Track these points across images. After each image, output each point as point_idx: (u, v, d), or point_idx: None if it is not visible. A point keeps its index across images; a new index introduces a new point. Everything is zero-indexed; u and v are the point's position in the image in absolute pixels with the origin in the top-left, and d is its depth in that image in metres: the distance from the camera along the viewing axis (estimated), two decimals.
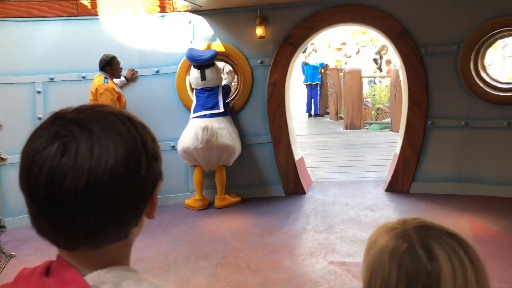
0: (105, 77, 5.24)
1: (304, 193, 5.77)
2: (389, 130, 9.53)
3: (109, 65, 5.30)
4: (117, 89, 5.32)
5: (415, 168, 5.61)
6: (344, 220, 4.84)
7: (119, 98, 5.25)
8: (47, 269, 0.82)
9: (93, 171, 0.73)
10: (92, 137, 0.75)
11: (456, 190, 5.45)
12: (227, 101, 5.68)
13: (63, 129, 0.76)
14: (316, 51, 11.92)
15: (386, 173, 6.08)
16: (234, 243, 4.40)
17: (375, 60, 12.74)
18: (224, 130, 5.37)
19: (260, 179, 5.83)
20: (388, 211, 5.09)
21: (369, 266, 0.91)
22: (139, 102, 5.69)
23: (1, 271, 4.09)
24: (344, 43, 14.63)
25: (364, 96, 10.44)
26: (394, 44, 5.54)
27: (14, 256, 4.39)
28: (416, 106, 5.54)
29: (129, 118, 0.81)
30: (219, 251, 4.23)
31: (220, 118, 5.47)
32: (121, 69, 5.45)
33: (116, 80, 5.46)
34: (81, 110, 0.80)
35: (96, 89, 5.15)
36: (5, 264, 4.22)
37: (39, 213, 0.77)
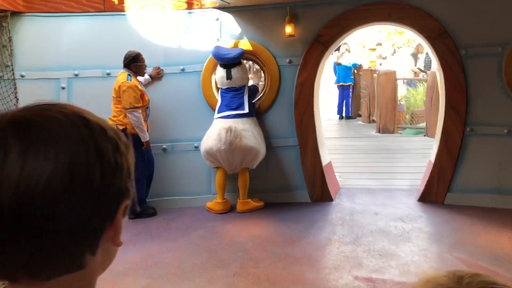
0: (129, 74, 5.11)
1: (331, 200, 5.50)
2: (424, 136, 9.11)
3: (133, 62, 5.17)
4: (140, 87, 5.18)
5: (451, 178, 5.26)
6: (372, 231, 4.55)
7: (142, 96, 5.12)
8: None
9: (23, 184, 0.58)
10: (27, 142, 0.60)
11: (496, 203, 5.07)
12: (253, 101, 5.47)
13: None
14: (349, 51, 11.56)
15: (420, 182, 5.73)
16: (254, 252, 4.18)
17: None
18: (248, 132, 5.17)
19: (284, 183, 5.59)
20: (421, 223, 4.76)
21: None
22: (163, 100, 5.56)
23: None
24: (379, 44, 14.19)
25: (399, 98, 10.04)
26: (432, 45, 5.20)
27: None
28: (454, 111, 5.19)
29: (85, 120, 0.66)
30: (237, 259, 4.03)
31: (244, 119, 5.27)
32: (146, 66, 5.30)
33: (140, 78, 5.34)
34: (25, 110, 0.65)
35: (119, 86, 5.04)
36: None
37: None
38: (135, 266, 3.99)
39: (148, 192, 5.38)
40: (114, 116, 5.13)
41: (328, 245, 4.32)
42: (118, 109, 5.11)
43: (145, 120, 5.20)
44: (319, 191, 5.52)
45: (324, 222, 4.88)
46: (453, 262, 3.82)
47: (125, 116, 5.07)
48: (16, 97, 5.27)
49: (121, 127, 5.02)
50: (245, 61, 5.82)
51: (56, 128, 0.62)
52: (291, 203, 5.49)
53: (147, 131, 5.20)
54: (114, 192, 0.66)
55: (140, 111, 5.05)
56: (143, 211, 5.24)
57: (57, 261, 0.63)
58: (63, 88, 5.45)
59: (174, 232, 4.76)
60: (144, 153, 5.17)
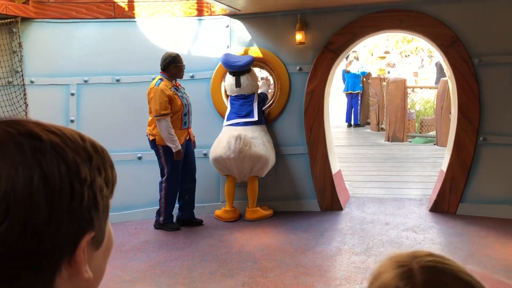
0: (160, 78, 4.83)
1: (341, 209, 5.42)
2: (434, 144, 9.01)
3: (173, 63, 4.87)
4: (171, 92, 4.81)
5: (464, 187, 5.17)
6: (383, 242, 4.47)
7: (171, 101, 4.79)
8: None
9: None
10: None
11: (511, 213, 4.97)
12: (262, 109, 5.43)
13: None
14: (358, 59, 11.51)
15: (431, 191, 5.65)
16: (264, 261, 4.12)
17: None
18: (257, 140, 5.12)
19: (294, 192, 5.53)
20: (432, 234, 4.68)
21: None
22: None
23: None
24: (387, 52, 14.15)
25: (408, 107, 9.97)
26: (444, 53, 5.14)
27: None
28: (466, 120, 5.11)
29: (36, 141, 0.56)
30: (246, 269, 3.96)
31: (254, 127, 5.22)
32: (184, 67, 5.00)
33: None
34: None
35: (148, 92, 4.87)
36: None
37: None
38: (143, 275, 3.94)
39: (189, 205, 5.14)
40: (149, 125, 4.95)
41: (338, 255, 4.24)
42: (150, 118, 4.89)
43: (181, 129, 4.90)
44: (329, 200, 5.45)
45: (334, 232, 4.81)
46: None
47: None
48: (25, 102, 5.27)
49: (151, 138, 4.89)
50: (257, 69, 5.80)
51: None
52: (301, 211, 5.42)
53: (190, 139, 5.02)
54: (73, 224, 0.56)
55: (168, 118, 4.74)
56: (165, 224, 4.99)
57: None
58: (72, 94, 5.44)
59: (182, 240, 4.71)
60: (178, 164, 4.91)
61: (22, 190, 0.53)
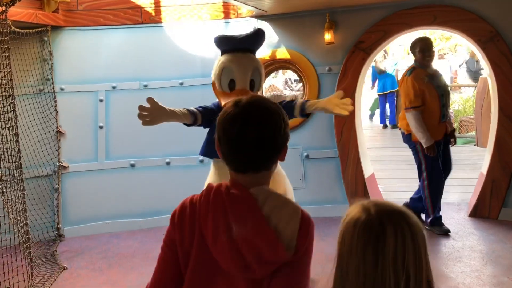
0: (413, 67, 4.48)
1: None
2: (474, 145, 8.61)
3: (412, 49, 4.53)
4: (423, 81, 4.37)
5: (506, 191, 4.86)
6: None
7: (423, 92, 4.37)
8: (227, 186, 1.30)
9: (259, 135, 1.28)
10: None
11: None
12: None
13: None
14: (385, 58, 11.15)
15: (470, 195, 5.35)
16: None
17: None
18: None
19: (324, 197, 5.35)
20: (472, 241, 4.41)
21: (341, 232, 1.13)
22: None
23: (52, 283, 3.99)
24: None
25: None
26: (482, 49, 4.86)
27: (66, 269, 4.30)
28: (507, 119, 4.81)
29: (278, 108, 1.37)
30: None
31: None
32: (429, 54, 4.49)
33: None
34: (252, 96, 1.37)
35: (399, 83, 4.63)
36: (57, 277, 4.12)
37: (229, 150, 1.29)
38: None
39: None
40: (401, 119, 4.67)
41: None
42: (402, 112, 4.62)
43: (440, 122, 4.45)
44: None
45: None
46: (510, 286, 3.47)
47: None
48: (56, 109, 5.33)
49: (406, 133, 4.62)
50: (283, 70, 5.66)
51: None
52: (331, 217, 5.24)
53: (450, 132, 4.61)
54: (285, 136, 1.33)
55: (417, 111, 4.36)
56: (434, 226, 4.60)
57: (263, 164, 1.30)
58: (101, 100, 5.47)
59: None
60: (437, 159, 4.49)
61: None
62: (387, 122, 11.02)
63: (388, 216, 1.08)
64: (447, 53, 16.38)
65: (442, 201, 5.59)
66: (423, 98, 4.40)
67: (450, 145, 4.74)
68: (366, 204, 1.11)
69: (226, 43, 3.44)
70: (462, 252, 4.18)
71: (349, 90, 5.23)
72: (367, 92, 11.53)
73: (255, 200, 1.25)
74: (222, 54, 3.47)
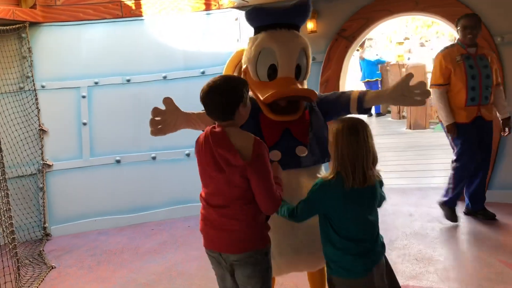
0: (449, 45, 4.34)
1: None
2: None
3: (461, 25, 4.26)
4: (455, 59, 4.20)
5: (490, 174, 4.93)
6: (407, 234, 4.28)
7: (450, 73, 4.21)
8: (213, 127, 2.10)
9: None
10: None
11: None
12: None
13: None
14: (371, 47, 11.18)
15: None
16: None
17: None
18: None
19: None
20: (459, 224, 4.46)
21: (333, 134, 2.06)
22: (184, 104, 5.39)
23: (41, 283, 3.94)
24: (407, 38, 13.77)
25: None
26: None
27: (55, 268, 4.24)
28: None
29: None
30: None
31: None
32: (471, 32, 4.21)
33: None
34: None
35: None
36: (45, 276, 4.07)
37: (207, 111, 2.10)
38: (159, 277, 3.86)
39: (476, 194, 4.52)
40: None
41: None
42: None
43: (466, 106, 4.19)
44: None
45: None
46: (498, 266, 3.52)
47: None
48: (37, 107, 5.24)
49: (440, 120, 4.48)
50: None
51: None
52: None
53: (484, 118, 4.25)
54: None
55: (439, 89, 4.24)
56: (445, 206, 4.48)
57: (227, 114, 2.04)
58: (83, 96, 5.38)
59: (199, 240, 4.56)
60: (470, 144, 4.26)
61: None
62: (372, 111, 11.07)
63: (356, 121, 2.07)
64: (429, 40, 16.50)
65: (428, 186, 5.67)
66: (450, 78, 4.25)
67: (502, 134, 4.49)
68: (342, 120, 2.10)
69: (264, 17, 2.61)
70: (450, 235, 4.23)
71: (333, 79, 5.25)
72: (356, 82, 11.55)
73: (225, 133, 2.04)
74: (256, 33, 2.67)
